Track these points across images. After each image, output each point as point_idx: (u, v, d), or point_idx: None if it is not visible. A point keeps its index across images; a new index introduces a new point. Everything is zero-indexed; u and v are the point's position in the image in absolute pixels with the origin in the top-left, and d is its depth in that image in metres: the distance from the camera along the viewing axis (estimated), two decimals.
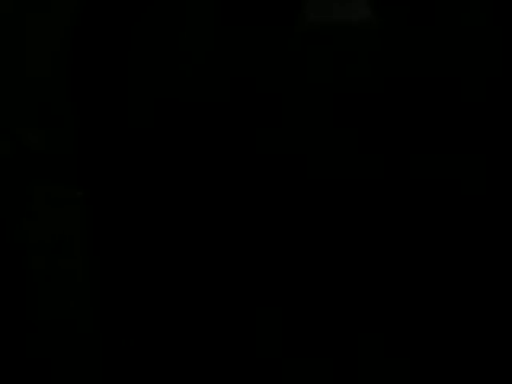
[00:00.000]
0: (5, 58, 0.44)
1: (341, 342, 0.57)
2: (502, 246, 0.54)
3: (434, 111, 0.52)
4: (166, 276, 0.58)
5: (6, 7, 0.43)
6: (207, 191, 0.53)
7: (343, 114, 0.52)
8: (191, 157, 0.52)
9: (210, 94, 0.50)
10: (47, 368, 0.52)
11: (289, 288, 0.56)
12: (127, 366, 0.52)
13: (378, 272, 0.54)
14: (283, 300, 0.54)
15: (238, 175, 0.51)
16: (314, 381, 0.56)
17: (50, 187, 0.47)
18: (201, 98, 0.51)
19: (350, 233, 0.53)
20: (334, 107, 0.51)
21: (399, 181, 0.52)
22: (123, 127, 0.47)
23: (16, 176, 0.46)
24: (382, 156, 0.52)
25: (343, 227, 0.52)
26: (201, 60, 0.51)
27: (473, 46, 0.52)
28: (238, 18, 0.54)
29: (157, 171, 0.56)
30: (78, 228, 0.47)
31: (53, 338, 0.51)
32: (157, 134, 0.54)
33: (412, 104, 0.52)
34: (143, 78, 0.51)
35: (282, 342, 0.54)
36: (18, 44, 0.44)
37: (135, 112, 0.51)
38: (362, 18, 0.55)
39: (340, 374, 0.57)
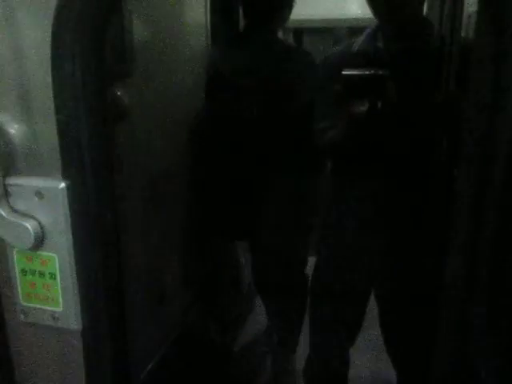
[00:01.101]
0: None
1: None
2: None
3: None
4: (149, 263, 0.58)
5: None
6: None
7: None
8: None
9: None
10: None
11: None
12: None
13: None
14: None
15: None
16: None
17: (34, 179, 0.47)
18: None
19: None
20: None
21: None
22: (106, 119, 0.48)
23: None
24: None
25: None
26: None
27: None
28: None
29: (141, 161, 0.56)
30: (61, 218, 0.47)
31: (31, 332, 0.52)
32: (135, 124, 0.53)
33: None
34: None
35: None
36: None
37: (118, 105, 0.52)
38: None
39: None
